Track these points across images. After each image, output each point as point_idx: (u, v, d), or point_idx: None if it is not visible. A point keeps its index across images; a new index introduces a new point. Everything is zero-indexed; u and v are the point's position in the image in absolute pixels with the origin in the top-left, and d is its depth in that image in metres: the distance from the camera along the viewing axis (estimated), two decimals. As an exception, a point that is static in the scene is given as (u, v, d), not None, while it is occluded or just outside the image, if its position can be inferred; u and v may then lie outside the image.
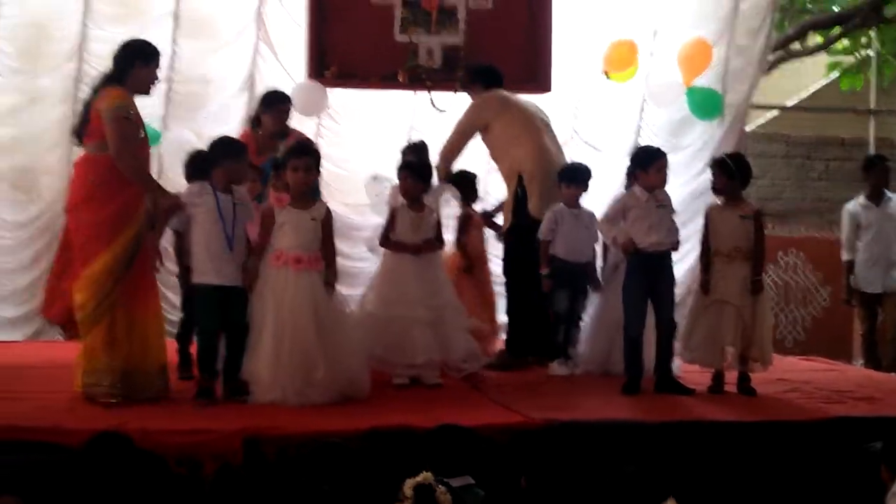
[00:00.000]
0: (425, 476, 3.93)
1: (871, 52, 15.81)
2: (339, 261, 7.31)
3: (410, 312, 7.44)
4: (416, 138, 9.41)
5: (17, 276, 10.63)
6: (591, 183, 8.36)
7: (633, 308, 7.51)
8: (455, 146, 8.67)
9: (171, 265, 7.73)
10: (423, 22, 9.72)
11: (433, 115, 9.79)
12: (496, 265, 9.13)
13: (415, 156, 8.44)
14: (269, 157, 8.01)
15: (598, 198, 9.32)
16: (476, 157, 9.20)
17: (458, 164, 8.86)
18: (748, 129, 14.46)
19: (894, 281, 10.05)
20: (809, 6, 16.56)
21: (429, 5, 9.71)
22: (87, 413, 6.09)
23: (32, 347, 9.67)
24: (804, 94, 17.89)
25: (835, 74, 16.75)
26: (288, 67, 10.42)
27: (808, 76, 17.73)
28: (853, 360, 11.40)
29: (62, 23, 10.39)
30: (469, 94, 8.84)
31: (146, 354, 6.63)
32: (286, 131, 8.49)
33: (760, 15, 11.31)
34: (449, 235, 8.24)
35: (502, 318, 8.95)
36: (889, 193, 10.15)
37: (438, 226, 7.75)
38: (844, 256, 10.15)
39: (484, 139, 8.70)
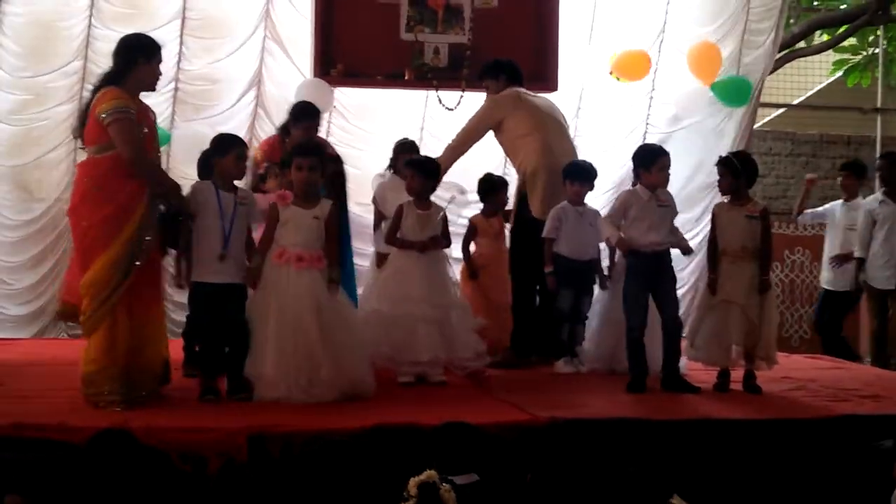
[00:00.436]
0: (429, 474, 3.93)
1: (877, 51, 15.78)
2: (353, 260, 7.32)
3: (416, 310, 7.44)
4: (410, 137, 9.43)
5: (23, 275, 10.65)
6: (595, 182, 8.37)
7: (634, 308, 7.49)
8: (462, 144, 8.66)
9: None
10: (429, 21, 9.74)
11: (444, 113, 9.80)
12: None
13: (408, 154, 8.52)
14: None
15: (603, 196, 9.40)
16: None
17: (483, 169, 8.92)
18: (754, 127, 14.48)
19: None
20: (816, 4, 16.55)
21: (435, 4, 9.73)
22: (93, 411, 6.09)
23: (38, 345, 9.67)
24: (810, 92, 17.86)
25: (840, 71, 16.72)
26: (296, 65, 10.44)
27: (814, 74, 17.70)
28: (860, 359, 11.38)
29: (68, 22, 10.41)
30: (487, 88, 8.78)
31: (148, 354, 6.54)
32: (318, 143, 8.55)
33: (770, 11, 11.30)
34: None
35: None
36: None
37: (445, 223, 7.74)
38: (856, 253, 10.13)
39: (497, 138, 8.71)
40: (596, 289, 8.28)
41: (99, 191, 6.51)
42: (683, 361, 7.63)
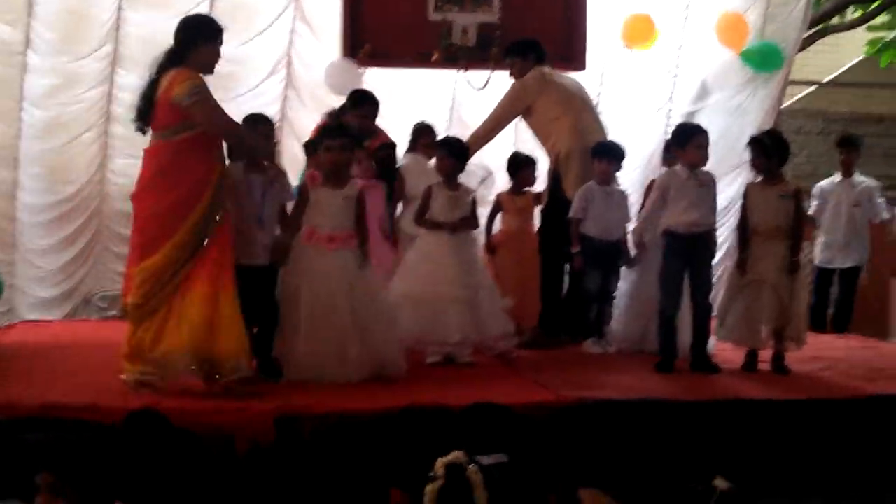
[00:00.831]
0: (456, 455, 3.95)
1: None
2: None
3: (447, 291, 7.45)
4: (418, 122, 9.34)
5: (53, 257, 10.70)
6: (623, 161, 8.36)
7: (669, 289, 7.50)
8: (491, 131, 8.67)
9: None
10: (457, 0, 9.70)
11: (473, 93, 9.79)
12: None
13: (427, 137, 8.53)
14: None
15: (633, 173, 9.37)
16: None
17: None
18: (784, 105, 14.38)
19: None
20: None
21: (463, -16, 9.70)
22: (124, 391, 6.12)
23: (69, 327, 9.73)
24: (841, 69, 17.74)
25: (874, 51, 16.59)
26: (325, 45, 10.44)
27: (846, 51, 17.57)
28: (889, 338, 11.34)
29: (99, 6, 10.43)
30: (513, 68, 8.72)
31: (221, 339, 6.33)
32: (374, 130, 8.60)
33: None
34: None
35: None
36: None
37: (474, 204, 7.75)
38: None
39: (527, 121, 8.71)
40: (623, 269, 8.26)
41: (163, 177, 6.50)
42: (712, 342, 7.61)
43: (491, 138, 8.67)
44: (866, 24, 16.22)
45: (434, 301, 7.42)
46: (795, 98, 16.72)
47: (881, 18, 16.10)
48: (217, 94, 10.37)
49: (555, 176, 8.48)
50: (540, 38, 9.01)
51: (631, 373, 7.27)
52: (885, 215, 10.18)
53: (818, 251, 10.42)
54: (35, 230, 10.65)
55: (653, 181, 8.41)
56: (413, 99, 10.72)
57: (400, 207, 8.70)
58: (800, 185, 7.96)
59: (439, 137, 8.74)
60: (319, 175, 6.91)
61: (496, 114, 8.66)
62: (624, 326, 8.25)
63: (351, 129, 7.38)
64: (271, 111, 10.06)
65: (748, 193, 7.56)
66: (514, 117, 8.69)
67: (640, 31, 10.63)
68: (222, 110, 6.63)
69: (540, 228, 8.69)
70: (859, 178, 10.29)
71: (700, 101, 11.24)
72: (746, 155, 8.00)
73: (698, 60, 11.15)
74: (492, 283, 7.91)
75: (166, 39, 10.47)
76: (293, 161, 9.40)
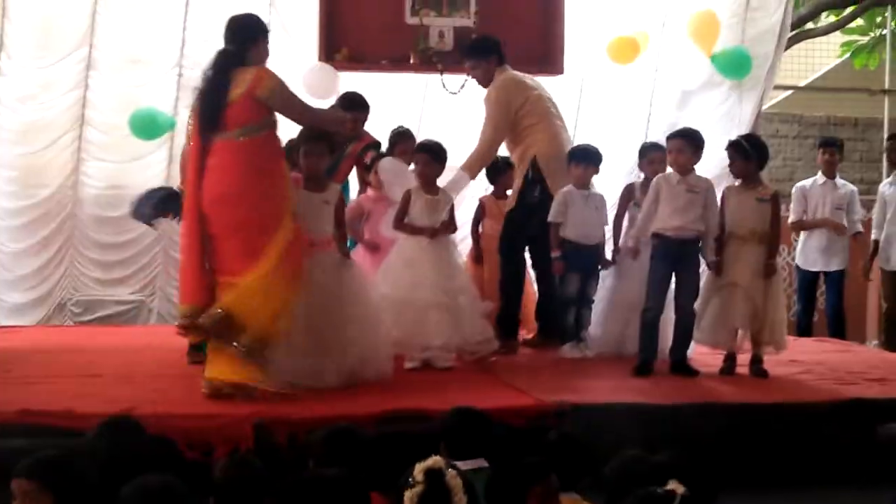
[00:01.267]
0: (436, 460, 3.91)
1: (885, 32, 15.72)
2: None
3: (427, 296, 7.43)
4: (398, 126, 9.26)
5: (26, 261, 10.66)
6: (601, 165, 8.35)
7: (654, 291, 7.51)
8: (495, 143, 8.41)
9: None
10: (434, 4, 9.68)
11: (444, 98, 9.75)
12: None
13: (406, 142, 8.45)
14: (336, 155, 7.92)
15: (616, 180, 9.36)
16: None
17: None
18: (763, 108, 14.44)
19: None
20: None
21: (440, -13, 9.69)
22: (98, 397, 6.09)
23: (42, 332, 9.67)
24: (817, 74, 17.81)
25: (848, 53, 16.67)
26: (301, 50, 10.41)
27: (822, 56, 17.65)
28: (867, 342, 11.36)
29: (73, 10, 10.39)
30: (475, 71, 8.53)
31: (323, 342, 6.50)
32: (360, 135, 8.50)
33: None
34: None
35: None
36: None
37: (451, 209, 7.73)
38: (872, 236, 10.13)
39: None
40: (602, 273, 8.26)
41: (261, 174, 6.45)
42: (692, 345, 7.61)
43: (491, 157, 8.51)
44: (841, 29, 16.29)
45: (414, 305, 7.40)
46: (771, 102, 16.74)
47: (857, 23, 16.17)
48: (191, 99, 10.53)
49: (532, 179, 8.39)
50: (517, 42, 8.99)
51: (609, 377, 7.28)
52: (859, 228, 10.14)
53: (799, 253, 10.40)
54: (8, 234, 10.60)
55: (630, 185, 8.42)
56: (383, 103, 10.71)
57: None
58: (776, 188, 7.97)
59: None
60: (300, 178, 6.86)
61: (490, 134, 8.34)
62: (602, 330, 8.23)
63: (327, 134, 7.32)
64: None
65: (726, 197, 7.56)
66: (508, 129, 8.39)
67: (625, 50, 10.64)
68: (305, 102, 6.78)
69: (504, 230, 8.55)
70: (841, 181, 10.28)
71: (681, 108, 11.26)
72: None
73: (678, 66, 11.17)
74: (471, 286, 7.88)
75: (140, 43, 10.51)
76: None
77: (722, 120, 11.23)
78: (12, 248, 10.65)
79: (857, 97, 15.69)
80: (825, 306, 10.47)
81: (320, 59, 9.71)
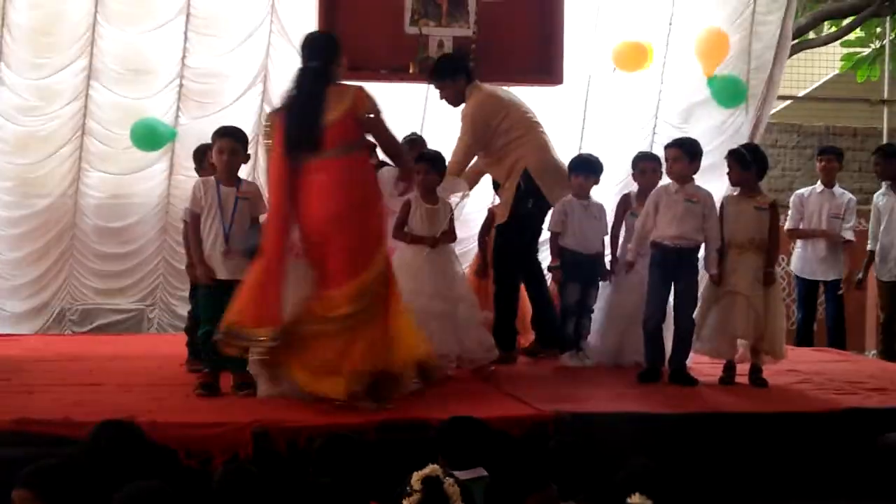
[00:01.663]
0: (433, 468, 3.91)
1: (884, 43, 15.75)
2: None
3: (427, 305, 7.39)
4: (410, 133, 9.25)
5: (25, 270, 10.66)
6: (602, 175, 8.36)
7: (653, 300, 7.51)
8: (469, 154, 8.34)
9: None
10: (433, 14, 9.67)
11: (444, 108, 9.74)
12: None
13: (417, 150, 8.40)
14: None
15: (616, 188, 9.36)
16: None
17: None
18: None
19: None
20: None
21: (440, -3, 9.69)
22: (97, 406, 6.08)
23: (41, 341, 9.67)
24: (816, 84, 17.83)
25: (849, 66, 16.69)
26: (300, 59, 10.41)
27: (821, 66, 17.67)
28: (866, 351, 11.36)
29: (73, 18, 10.41)
30: (444, 91, 8.40)
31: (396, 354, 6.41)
32: None
33: (778, 2, 11.27)
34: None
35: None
36: None
37: (451, 218, 7.72)
38: (868, 246, 10.12)
39: None
40: (601, 283, 8.26)
41: (365, 191, 6.54)
42: (690, 355, 7.61)
43: (459, 173, 8.24)
44: (841, 40, 16.32)
45: (416, 315, 7.37)
46: (770, 112, 16.76)
47: (856, 34, 16.19)
48: (192, 110, 10.58)
49: (524, 191, 8.34)
50: (516, 52, 9.00)
51: (608, 386, 7.27)
52: (849, 236, 10.11)
53: (795, 261, 10.40)
54: (7, 243, 10.60)
55: (626, 195, 8.41)
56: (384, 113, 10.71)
57: None
58: (775, 198, 7.98)
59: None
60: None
61: (470, 136, 8.25)
62: (601, 340, 8.23)
63: None
64: (248, 124, 10.05)
65: (725, 206, 7.56)
66: (482, 146, 8.31)
67: (633, 57, 10.64)
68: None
69: (497, 243, 8.52)
70: (840, 189, 10.27)
71: (686, 120, 11.30)
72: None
73: (683, 77, 11.19)
74: (471, 296, 7.86)
75: (140, 53, 10.52)
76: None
77: (727, 131, 11.25)
78: (11, 256, 10.66)
79: (856, 107, 15.74)
80: (825, 316, 10.46)
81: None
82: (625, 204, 8.32)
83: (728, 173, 7.61)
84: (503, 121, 8.25)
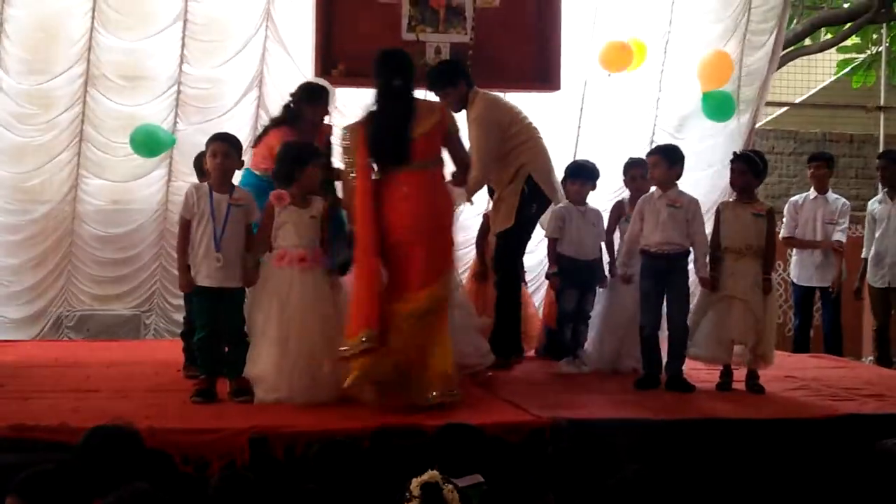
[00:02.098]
0: (432, 475, 3.92)
1: (880, 49, 15.77)
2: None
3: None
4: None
5: (23, 276, 10.66)
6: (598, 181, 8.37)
7: (646, 307, 7.54)
8: (491, 159, 8.12)
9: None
10: (430, 20, 9.67)
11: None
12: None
13: None
14: None
15: (614, 194, 9.36)
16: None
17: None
18: (756, 125, 14.46)
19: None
20: (819, 2, 16.53)
21: (436, 3, 9.68)
22: (94, 412, 6.06)
23: (38, 347, 9.66)
24: (813, 91, 17.84)
25: (844, 71, 16.71)
26: (297, 66, 10.43)
27: (818, 72, 17.69)
28: (862, 358, 11.36)
29: (70, 25, 10.41)
30: (447, 98, 8.15)
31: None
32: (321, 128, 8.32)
33: (773, 11, 11.30)
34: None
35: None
36: None
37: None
38: (862, 254, 10.13)
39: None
40: (599, 289, 8.26)
41: (447, 202, 6.94)
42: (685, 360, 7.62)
43: (486, 180, 8.25)
44: (837, 46, 16.34)
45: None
46: (767, 118, 16.80)
47: (852, 40, 16.21)
48: (189, 117, 10.58)
49: (528, 196, 8.34)
50: (514, 58, 9.00)
51: (606, 393, 7.26)
52: (839, 237, 10.11)
53: (793, 268, 10.42)
54: (5, 249, 10.60)
55: (620, 202, 8.42)
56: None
57: None
58: (772, 205, 7.99)
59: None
60: (287, 195, 6.82)
61: (483, 154, 7.99)
62: (599, 347, 8.23)
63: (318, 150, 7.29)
64: (244, 131, 10.05)
65: (721, 212, 7.57)
66: (498, 147, 8.17)
67: (617, 57, 10.66)
68: None
69: (499, 248, 8.49)
70: (833, 195, 10.28)
71: (679, 129, 11.32)
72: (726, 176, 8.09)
73: (680, 85, 11.21)
74: (467, 302, 7.86)
75: (138, 60, 10.52)
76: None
77: (721, 136, 11.28)
78: (9, 263, 10.65)
79: (853, 114, 15.76)
80: (822, 322, 10.46)
81: (316, 75, 9.70)
82: (618, 210, 8.34)
83: (734, 177, 7.59)
84: (511, 125, 8.24)
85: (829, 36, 16.28)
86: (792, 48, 15.45)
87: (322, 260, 6.80)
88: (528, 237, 8.36)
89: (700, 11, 11.34)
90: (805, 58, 16.43)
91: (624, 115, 11.42)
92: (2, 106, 10.43)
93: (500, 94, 8.65)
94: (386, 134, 6.69)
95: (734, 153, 7.88)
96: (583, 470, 4.71)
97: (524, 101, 8.96)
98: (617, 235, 8.32)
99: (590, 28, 11.14)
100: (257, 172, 7.64)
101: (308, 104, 7.93)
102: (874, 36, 16.10)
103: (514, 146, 8.23)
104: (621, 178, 8.68)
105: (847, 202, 10.27)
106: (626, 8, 11.27)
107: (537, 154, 8.31)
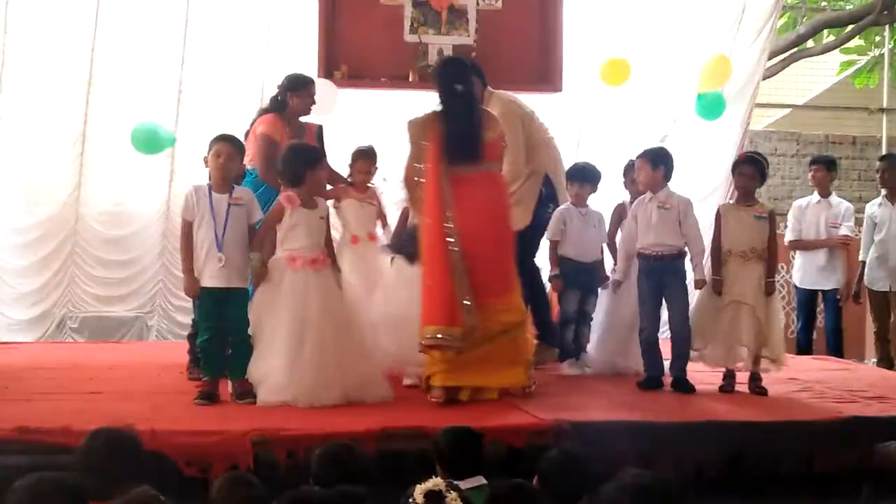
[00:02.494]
0: (436, 482, 3.90)
1: (883, 51, 15.77)
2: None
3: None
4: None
5: (28, 279, 10.66)
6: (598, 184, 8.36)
7: (644, 311, 7.56)
8: (520, 154, 8.25)
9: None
10: (432, 22, 9.68)
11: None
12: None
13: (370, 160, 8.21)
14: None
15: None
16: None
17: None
18: (759, 127, 14.49)
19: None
20: (824, 4, 16.52)
21: (438, 5, 9.68)
22: (97, 414, 6.07)
23: (41, 348, 9.66)
24: (815, 93, 17.82)
25: (847, 72, 16.70)
26: (300, 67, 10.42)
27: (820, 74, 17.66)
28: (865, 360, 11.35)
29: (73, 25, 10.41)
30: None
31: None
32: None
33: (765, 15, 11.30)
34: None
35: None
36: None
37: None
38: (860, 256, 10.11)
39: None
40: (601, 291, 8.25)
41: (509, 206, 7.30)
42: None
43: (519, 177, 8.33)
44: (840, 48, 16.33)
45: (413, 321, 7.38)
46: (770, 120, 16.79)
47: (854, 42, 16.20)
48: (191, 116, 10.57)
49: (546, 196, 8.36)
50: (515, 60, 9.01)
51: (608, 395, 7.26)
52: (845, 231, 10.08)
53: (796, 272, 10.41)
54: (10, 251, 10.60)
55: (621, 204, 8.41)
56: (381, 120, 10.73)
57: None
58: (774, 207, 7.98)
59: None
60: (296, 196, 6.82)
61: (514, 152, 8.05)
62: (601, 349, 8.22)
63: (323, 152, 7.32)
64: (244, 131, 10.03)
65: (722, 215, 7.57)
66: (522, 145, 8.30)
67: (616, 73, 10.65)
68: None
69: (518, 248, 8.48)
70: (836, 198, 10.27)
71: (675, 131, 11.33)
72: (716, 176, 8.07)
73: (675, 87, 11.21)
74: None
75: (140, 60, 10.52)
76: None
77: (710, 136, 11.28)
78: (14, 264, 10.65)
79: (856, 115, 15.73)
80: (824, 324, 10.45)
81: (320, 76, 9.71)
82: (619, 212, 8.33)
83: (742, 180, 7.57)
84: (531, 122, 8.34)
85: (831, 38, 16.27)
86: (795, 50, 15.45)
87: (328, 260, 6.82)
88: (541, 237, 8.36)
89: (696, 12, 11.32)
90: (808, 60, 16.40)
91: (626, 116, 11.41)
92: (5, 105, 10.44)
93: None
94: (463, 132, 6.90)
95: (742, 156, 7.87)
96: (585, 472, 4.69)
97: (526, 102, 8.92)
98: (619, 237, 8.31)
99: (591, 29, 11.12)
100: (249, 167, 7.69)
101: (292, 93, 8.08)
102: (877, 38, 16.09)
103: (532, 144, 8.27)
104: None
105: (850, 205, 10.25)
106: (622, 7, 11.26)
107: (552, 154, 8.35)
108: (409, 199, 7.21)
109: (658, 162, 7.59)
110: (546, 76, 9.84)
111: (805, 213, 10.21)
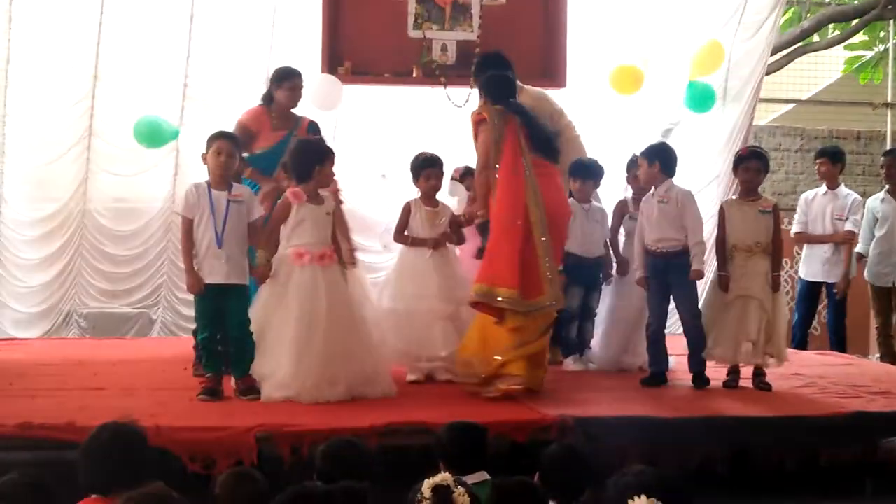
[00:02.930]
0: (444, 477, 3.90)
1: (888, 46, 15.74)
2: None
3: (432, 307, 7.45)
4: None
5: (37, 274, 10.67)
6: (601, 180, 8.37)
7: (652, 307, 7.58)
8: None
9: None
10: (436, 18, 9.69)
11: (447, 112, 9.73)
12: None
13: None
14: (285, 135, 7.93)
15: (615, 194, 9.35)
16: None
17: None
18: (763, 122, 14.47)
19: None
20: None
21: (442, 1, 9.69)
22: (101, 410, 6.06)
23: (46, 344, 9.67)
24: (820, 87, 17.79)
25: (852, 67, 16.67)
26: (304, 62, 10.42)
27: (825, 69, 17.63)
28: (869, 355, 11.34)
29: (79, 20, 10.41)
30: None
31: None
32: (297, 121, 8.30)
33: (767, 8, 11.28)
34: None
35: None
36: None
37: (455, 220, 7.71)
38: (856, 248, 10.07)
39: None
40: (605, 287, 8.26)
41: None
42: (673, 360, 7.64)
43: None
44: (845, 43, 16.29)
45: (419, 317, 7.40)
46: (774, 115, 16.76)
47: (859, 37, 16.17)
48: (196, 111, 10.56)
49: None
50: (519, 55, 8.96)
51: (612, 390, 7.27)
52: (850, 226, 10.05)
53: (802, 264, 10.37)
54: (20, 246, 10.61)
55: (623, 200, 8.42)
56: (387, 116, 10.74)
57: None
58: (778, 202, 7.98)
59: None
60: (302, 193, 6.82)
61: (573, 132, 8.49)
62: (605, 344, 8.23)
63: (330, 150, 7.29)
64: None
65: (726, 210, 7.56)
66: None
67: (628, 81, 10.64)
68: None
69: None
70: (844, 190, 10.21)
71: (677, 126, 11.31)
72: (717, 169, 8.06)
73: (678, 81, 11.20)
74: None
75: (146, 55, 10.51)
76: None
77: (709, 128, 11.28)
78: (22, 259, 10.66)
79: (860, 110, 15.70)
80: (827, 319, 10.43)
81: (324, 72, 9.72)
82: (622, 208, 8.34)
83: (749, 175, 7.57)
84: (560, 117, 8.34)
85: (836, 33, 16.23)
86: (799, 45, 15.41)
87: (335, 255, 6.84)
88: None
89: (698, 5, 11.30)
90: (812, 54, 16.36)
91: (628, 111, 11.39)
92: (12, 100, 10.44)
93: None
94: (536, 127, 7.27)
95: (746, 150, 7.86)
96: (589, 467, 4.69)
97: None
98: (621, 233, 8.32)
99: (596, 24, 11.10)
100: None
101: (276, 86, 8.13)
102: (881, 33, 16.05)
103: (566, 139, 8.26)
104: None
105: (858, 197, 10.18)
106: (627, 3, 11.25)
107: (581, 152, 8.33)
108: (477, 183, 7.33)
109: (653, 157, 7.59)
110: (550, 72, 9.85)
111: (811, 205, 10.16)
